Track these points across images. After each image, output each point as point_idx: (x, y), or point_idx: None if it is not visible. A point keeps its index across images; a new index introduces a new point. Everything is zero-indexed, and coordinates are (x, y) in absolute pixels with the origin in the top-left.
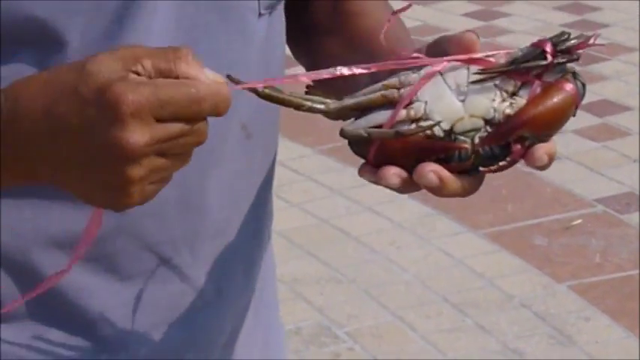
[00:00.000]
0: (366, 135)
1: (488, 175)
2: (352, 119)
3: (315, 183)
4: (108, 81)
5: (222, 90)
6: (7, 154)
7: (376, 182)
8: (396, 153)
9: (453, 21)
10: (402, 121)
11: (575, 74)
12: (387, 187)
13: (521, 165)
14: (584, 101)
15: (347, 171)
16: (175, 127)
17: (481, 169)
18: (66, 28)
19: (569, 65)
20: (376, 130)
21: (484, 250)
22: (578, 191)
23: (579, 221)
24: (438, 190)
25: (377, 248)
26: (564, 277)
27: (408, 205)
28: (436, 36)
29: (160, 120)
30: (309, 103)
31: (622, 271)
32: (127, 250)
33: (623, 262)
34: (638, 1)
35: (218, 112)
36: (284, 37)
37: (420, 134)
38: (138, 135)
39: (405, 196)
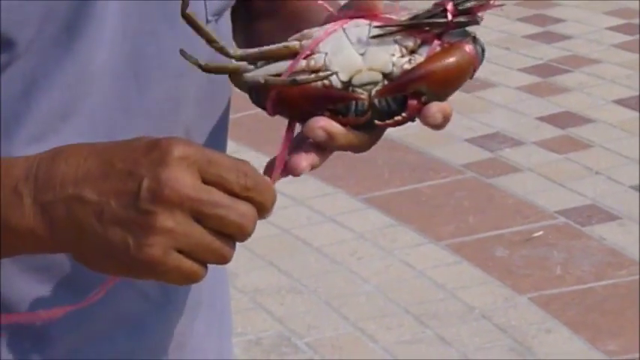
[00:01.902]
0: (263, 82)
1: (450, 187)
2: (253, 67)
3: (277, 192)
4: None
5: (271, 188)
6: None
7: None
8: (294, 102)
9: None
10: (302, 72)
11: (475, 38)
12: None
13: (483, 177)
14: (547, 113)
15: (309, 181)
16: (218, 194)
17: (377, 122)
18: (17, 35)
19: (470, 30)
20: (273, 77)
21: (445, 261)
22: (539, 203)
23: (540, 233)
24: (327, 143)
25: (338, 259)
26: (525, 288)
27: (370, 216)
28: None
29: (205, 181)
30: (222, 43)
31: (583, 283)
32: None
33: (585, 275)
34: (601, 14)
35: (263, 204)
36: (231, 41)
37: (319, 84)
38: (181, 179)
39: (367, 206)
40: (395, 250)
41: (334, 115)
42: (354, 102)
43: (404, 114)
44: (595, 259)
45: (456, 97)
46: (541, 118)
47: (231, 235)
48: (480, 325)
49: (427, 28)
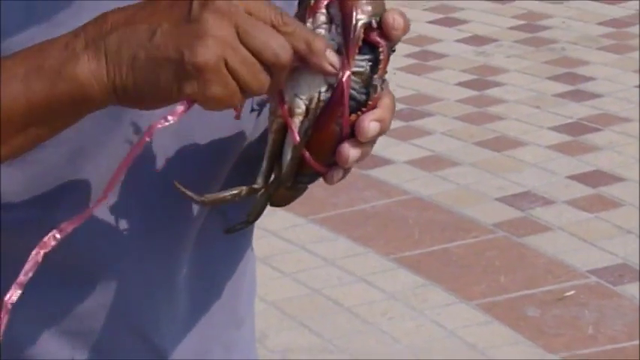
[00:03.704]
0: (290, 162)
1: (481, 246)
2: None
3: (307, 253)
4: None
5: (304, 33)
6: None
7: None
8: (325, 139)
9: (446, 90)
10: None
11: None
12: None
13: (514, 236)
14: (577, 171)
15: (340, 241)
16: (261, 22)
17: (377, 77)
18: None
19: None
20: (288, 159)
21: (477, 321)
22: (571, 262)
23: (572, 292)
24: (383, 129)
25: (369, 319)
26: (557, 348)
27: (401, 276)
28: (430, 105)
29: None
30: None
31: (615, 342)
32: (110, 329)
33: (617, 334)
34: (631, 72)
35: (297, 48)
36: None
37: (319, 108)
38: (230, 4)
39: (398, 266)
40: (426, 310)
41: (357, 113)
42: (353, 90)
43: (380, 49)
44: (627, 318)
45: (487, 155)
46: (572, 177)
47: (269, 64)
48: None
49: None
